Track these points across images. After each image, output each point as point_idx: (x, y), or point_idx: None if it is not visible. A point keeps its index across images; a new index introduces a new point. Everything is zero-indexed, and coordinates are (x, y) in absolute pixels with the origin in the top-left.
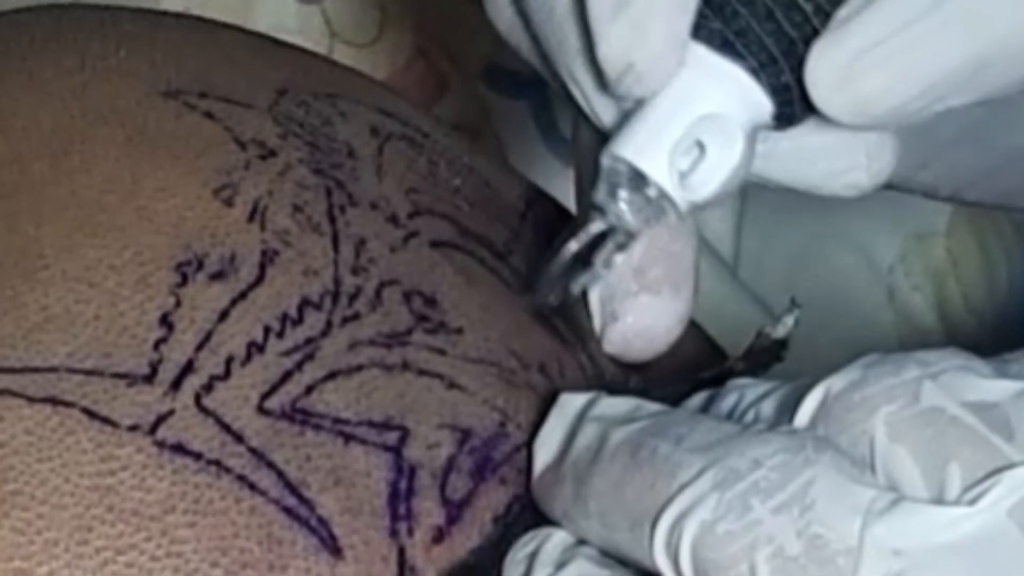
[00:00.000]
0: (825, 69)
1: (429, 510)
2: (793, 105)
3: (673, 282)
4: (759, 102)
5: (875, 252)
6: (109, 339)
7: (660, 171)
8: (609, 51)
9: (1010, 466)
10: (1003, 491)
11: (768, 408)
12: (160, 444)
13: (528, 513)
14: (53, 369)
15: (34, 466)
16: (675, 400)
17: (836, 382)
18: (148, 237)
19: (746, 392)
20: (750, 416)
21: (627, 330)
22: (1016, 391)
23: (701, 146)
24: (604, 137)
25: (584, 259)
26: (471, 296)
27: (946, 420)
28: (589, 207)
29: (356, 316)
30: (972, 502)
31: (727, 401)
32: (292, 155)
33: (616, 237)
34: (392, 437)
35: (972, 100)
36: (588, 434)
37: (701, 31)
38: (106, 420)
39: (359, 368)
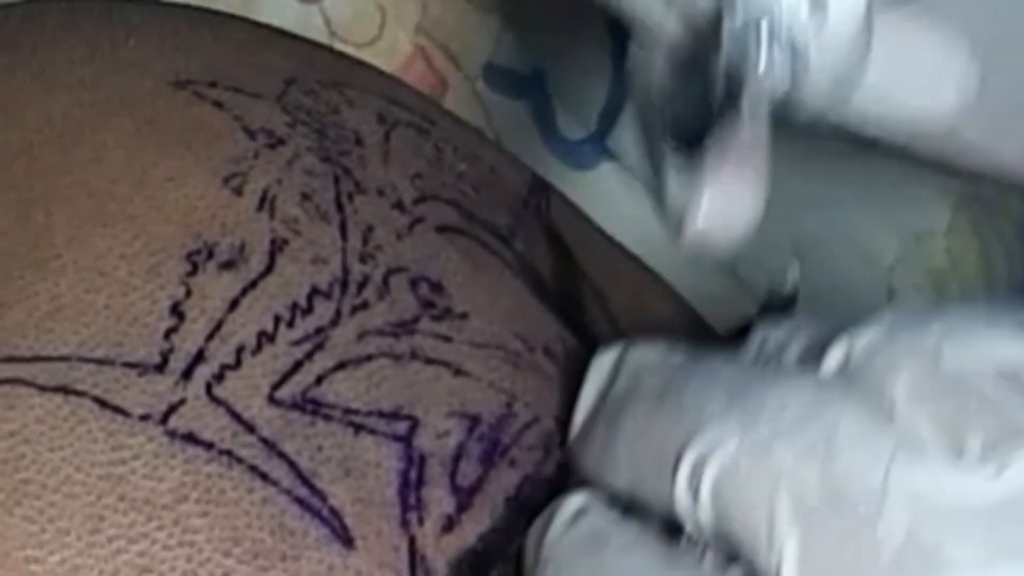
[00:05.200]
0: None
1: (439, 499)
2: None
3: (755, 170)
4: None
5: (875, 251)
6: (120, 328)
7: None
8: None
9: None
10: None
11: (792, 355)
12: (171, 434)
13: (540, 492)
14: (64, 358)
15: (45, 455)
16: None
17: (860, 339)
18: (158, 226)
19: (769, 338)
20: (773, 364)
21: (709, 210)
22: None
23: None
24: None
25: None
26: (476, 280)
27: (967, 385)
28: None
29: (365, 305)
30: (995, 472)
31: (751, 348)
32: (300, 143)
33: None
34: (402, 427)
35: None
36: (621, 382)
37: None
38: (117, 409)
39: (368, 358)
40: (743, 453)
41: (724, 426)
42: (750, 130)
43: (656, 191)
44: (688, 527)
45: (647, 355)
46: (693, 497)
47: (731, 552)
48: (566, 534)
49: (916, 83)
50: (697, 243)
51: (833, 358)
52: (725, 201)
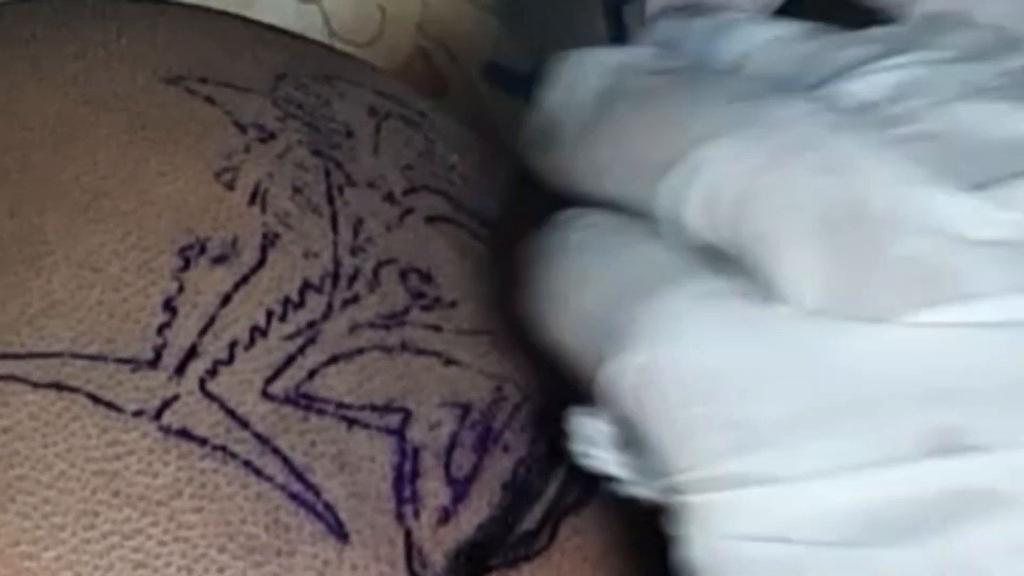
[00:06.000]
0: None
1: (435, 491)
2: None
3: None
4: None
5: None
6: (113, 324)
7: None
8: None
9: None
10: None
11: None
12: (165, 429)
13: (535, 474)
14: (57, 354)
15: (39, 451)
16: None
17: (875, 80)
18: (150, 222)
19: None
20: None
21: None
22: None
23: None
24: None
25: None
26: (464, 268)
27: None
28: None
29: (356, 298)
30: (1006, 204)
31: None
32: (292, 137)
33: None
34: (394, 420)
35: None
36: (598, 85)
37: None
38: (111, 405)
39: (360, 351)
40: (770, 158)
41: (741, 133)
42: None
43: None
44: (692, 230)
45: (621, 56)
46: (703, 207)
47: (735, 263)
48: (565, 237)
49: None
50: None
51: (850, 95)
52: None
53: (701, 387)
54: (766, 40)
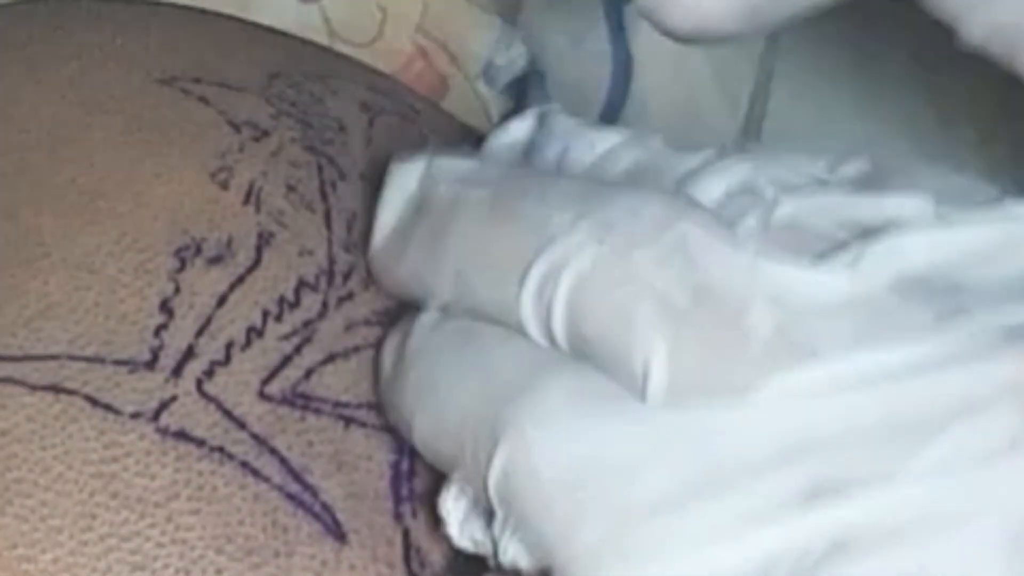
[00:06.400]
0: None
1: (433, 490)
2: None
3: None
4: None
5: None
6: (110, 326)
7: None
8: None
9: (885, 228)
10: (881, 259)
11: (620, 168)
12: (163, 431)
13: None
14: (55, 357)
15: (37, 453)
16: None
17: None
18: (146, 223)
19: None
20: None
21: None
22: None
23: None
24: None
25: None
26: None
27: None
28: None
29: (350, 296)
30: (850, 266)
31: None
32: (285, 134)
33: None
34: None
35: None
36: (441, 194)
37: None
38: (108, 407)
39: (356, 349)
40: (600, 261)
41: (576, 235)
42: None
43: None
44: (537, 338)
45: (463, 165)
46: (546, 310)
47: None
48: (430, 338)
49: None
50: (648, 14)
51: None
52: None
53: (579, 475)
54: (606, 149)
